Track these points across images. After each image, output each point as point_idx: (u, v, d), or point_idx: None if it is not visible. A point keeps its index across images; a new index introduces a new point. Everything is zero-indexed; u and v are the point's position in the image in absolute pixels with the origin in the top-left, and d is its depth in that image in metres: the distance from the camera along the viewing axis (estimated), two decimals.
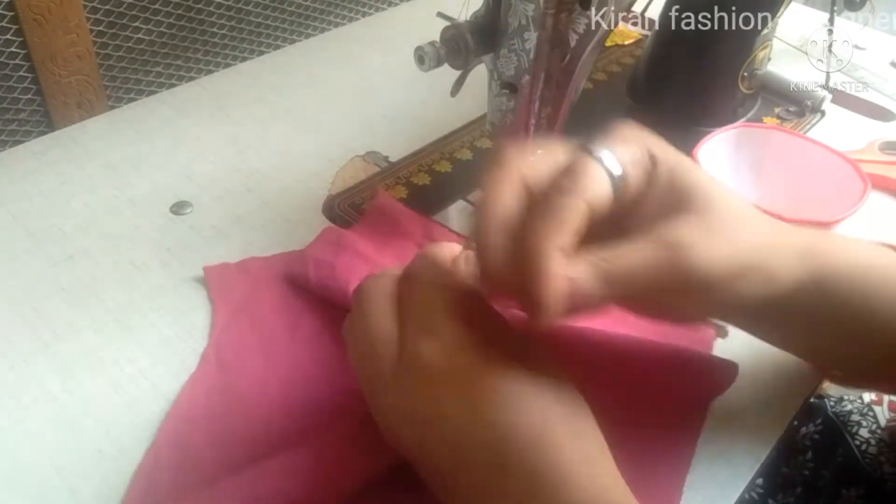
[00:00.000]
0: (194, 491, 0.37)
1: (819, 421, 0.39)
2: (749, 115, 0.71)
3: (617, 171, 0.30)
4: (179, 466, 0.39)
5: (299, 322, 0.48)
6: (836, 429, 0.38)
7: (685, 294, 0.30)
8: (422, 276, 0.33)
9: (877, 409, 0.38)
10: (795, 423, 0.40)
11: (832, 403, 0.39)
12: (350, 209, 0.59)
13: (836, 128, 0.71)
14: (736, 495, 0.40)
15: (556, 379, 0.31)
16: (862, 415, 0.38)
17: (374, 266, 0.48)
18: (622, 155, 0.30)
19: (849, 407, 0.39)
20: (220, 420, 0.42)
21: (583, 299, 0.29)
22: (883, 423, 0.37)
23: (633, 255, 0.29)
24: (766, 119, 0.72)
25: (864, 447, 0.36)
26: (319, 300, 0.49)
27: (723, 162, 0.56)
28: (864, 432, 0.37)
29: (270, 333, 0.47)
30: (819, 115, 0.72)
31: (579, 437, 0.29)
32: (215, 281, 0.51)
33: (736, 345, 0.48)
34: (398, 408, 0.31)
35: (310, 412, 0.42)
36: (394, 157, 0.64)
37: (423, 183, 0.61)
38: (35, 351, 0.46)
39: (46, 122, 0.67)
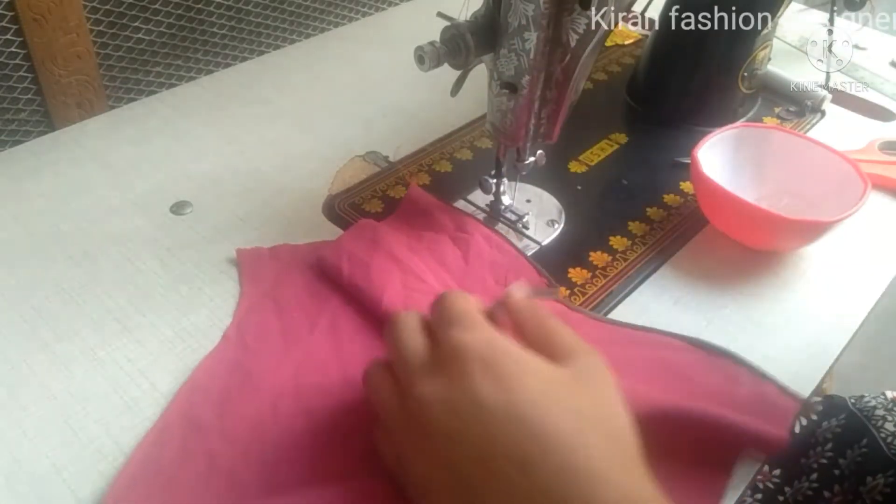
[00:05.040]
0: (203, 462, 0.38)
1: (842, 416, 0.39)
2: (749, 115, 0.71)
3: None
4: (185, 434, 0.40)
5: (321, 312, 0.49)
6: (859, 422, 0.38)
7: None
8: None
9: None
10: (814, 418, 0.41)
11: (853, 400, 0.39)
12: (350, 209, 0.59)
13: (836, 128, 0.71)
14: (743, 485, 0.39)
15: (595, 379, 0.32)
16: (887, 410, 0.38)
17: (407, 272, 0.49)
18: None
19: (872, 403, 0.39)
20: (231, 395, 0.42)
21: None
22: None
23: None
24: (766, 119, 0.72)
25: (889, 440, 0.36)
26: (345, 293, 0.50)
27: (723, 162, 0.56)
28: (889, 426, 0.37)
29: (292, 320, 0.48)
30: (819, 115, 0.72)
31: (613, 440, 0.30)
32: (247, 264, 0.52)
33: (739, 346, 0.48)
34: (434, 395, 0.31)
35: (318, 399, 0.43)
36: (394, 158, 0.64)
37: (424, 183, 0.61)
38: (35, 351, 0.46)
39: (46, 122, 0.67)
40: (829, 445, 0.39)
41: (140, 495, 0.38)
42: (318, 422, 0.42)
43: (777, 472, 0.39)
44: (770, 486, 0.39)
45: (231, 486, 0.38)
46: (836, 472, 0.37)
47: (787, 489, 0.38)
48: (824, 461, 0.38)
